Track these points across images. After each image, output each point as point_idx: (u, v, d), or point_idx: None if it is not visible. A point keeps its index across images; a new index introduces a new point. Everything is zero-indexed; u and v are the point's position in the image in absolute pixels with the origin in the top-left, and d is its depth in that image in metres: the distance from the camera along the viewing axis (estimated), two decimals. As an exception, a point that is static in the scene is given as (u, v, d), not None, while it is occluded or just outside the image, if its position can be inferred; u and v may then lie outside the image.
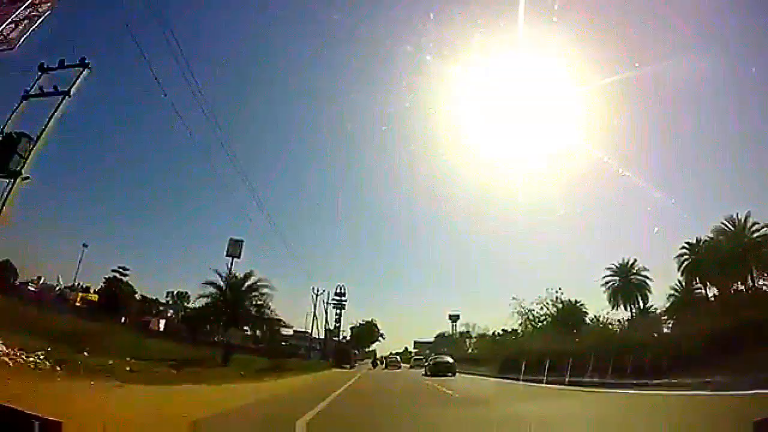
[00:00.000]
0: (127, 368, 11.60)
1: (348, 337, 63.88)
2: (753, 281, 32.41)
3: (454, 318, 78.32)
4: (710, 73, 41.66)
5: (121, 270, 46.39)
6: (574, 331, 32.19)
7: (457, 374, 26.21)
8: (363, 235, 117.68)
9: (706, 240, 36.17)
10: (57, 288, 45.32)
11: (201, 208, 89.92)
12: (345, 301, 59.84)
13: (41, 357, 9.36)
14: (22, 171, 11.80)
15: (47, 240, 68.79)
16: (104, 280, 46.51)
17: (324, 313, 54.79)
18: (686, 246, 37.93)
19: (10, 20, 13.55)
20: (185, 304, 54.71)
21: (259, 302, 25.45)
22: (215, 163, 57.11)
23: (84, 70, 13.37)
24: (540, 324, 35.32)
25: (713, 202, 65.03)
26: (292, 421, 6.74)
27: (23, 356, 9.08)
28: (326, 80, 73.27)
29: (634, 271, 42.92)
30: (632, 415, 8.18)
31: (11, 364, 8.48)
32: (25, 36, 13.87)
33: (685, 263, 37.88)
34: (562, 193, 66.82)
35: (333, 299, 57.01)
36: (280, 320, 27.75)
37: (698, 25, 46.28)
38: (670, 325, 36.41)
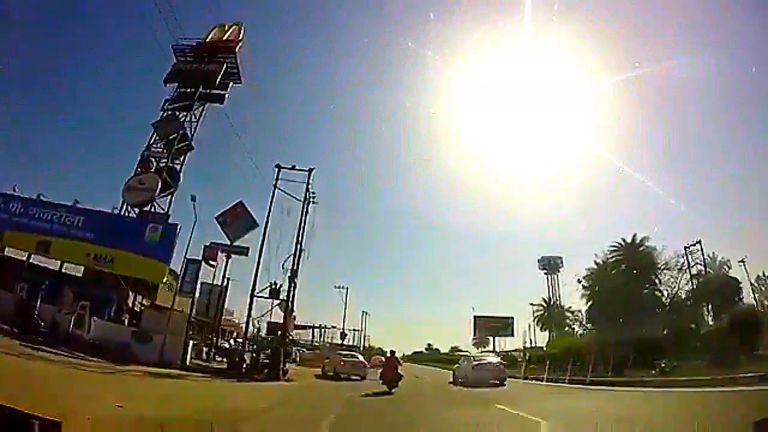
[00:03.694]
0: None
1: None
2: None
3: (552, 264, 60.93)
4: (715, 73, 43.55)
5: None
6: None
7: None
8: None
9: None
10: None
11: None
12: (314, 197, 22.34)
13: None
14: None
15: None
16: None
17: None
18: None
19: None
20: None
21: None
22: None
23: None
24: None
25: (719, 200, 61.34)
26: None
27: None
28: (341, 78, 75.22)
29: None
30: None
31: None
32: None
33: None
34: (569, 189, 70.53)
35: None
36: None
37: (702, 25, 47.37)
38: None
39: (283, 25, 72.73)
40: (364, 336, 62.06)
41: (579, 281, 39.74)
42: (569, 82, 51.05)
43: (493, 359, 21.94)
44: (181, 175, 24.91)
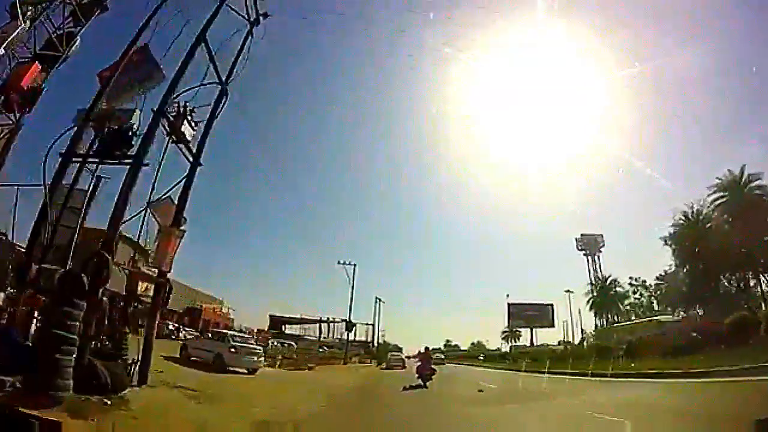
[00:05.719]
0: None
1: None
2: None
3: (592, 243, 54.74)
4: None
5: None
6: None
7: None
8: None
9: None
10: None
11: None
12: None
13: None
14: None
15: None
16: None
17: None
18: None
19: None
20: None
21: None
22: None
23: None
24: None
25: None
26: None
27: None
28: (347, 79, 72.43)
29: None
30: None
31: None
32: None
33: None
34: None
35: None
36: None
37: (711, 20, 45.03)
38: None
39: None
40: (378, 329, 49.91)
41: (664, 240, 30.01)
42: (578, 78, 49.91)
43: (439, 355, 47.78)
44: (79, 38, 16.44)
